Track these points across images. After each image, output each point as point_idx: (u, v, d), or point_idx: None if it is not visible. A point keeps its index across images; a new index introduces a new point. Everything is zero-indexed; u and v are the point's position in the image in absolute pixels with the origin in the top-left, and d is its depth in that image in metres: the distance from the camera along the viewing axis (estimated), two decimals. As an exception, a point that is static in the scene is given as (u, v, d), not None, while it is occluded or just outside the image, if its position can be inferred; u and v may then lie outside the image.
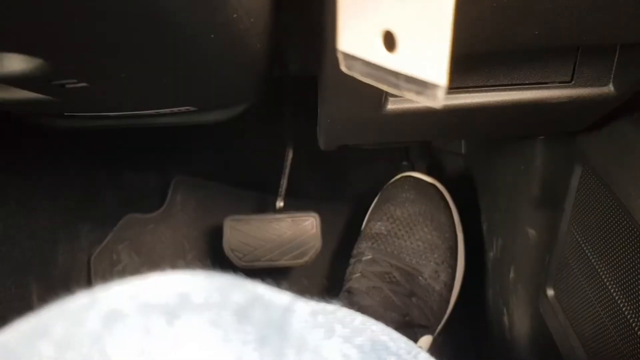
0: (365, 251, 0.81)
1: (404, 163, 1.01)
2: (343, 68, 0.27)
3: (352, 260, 0.82)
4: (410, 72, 0.23)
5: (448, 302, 0.81)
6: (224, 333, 0.23)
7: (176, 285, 0.24)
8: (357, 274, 0.78)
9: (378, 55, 0.24)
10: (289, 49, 0.65)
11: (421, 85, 0.23)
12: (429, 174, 1.01)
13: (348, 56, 0.26)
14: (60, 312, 0.24)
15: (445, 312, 0.81)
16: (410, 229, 0.81)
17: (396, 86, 0.24)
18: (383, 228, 0.82)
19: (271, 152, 0.92)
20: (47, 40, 0.30)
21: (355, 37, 0.24)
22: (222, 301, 0.24)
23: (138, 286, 0.25)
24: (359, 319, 0.28)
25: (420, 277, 0.78)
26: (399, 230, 0.81)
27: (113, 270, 0.92)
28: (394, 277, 0.76)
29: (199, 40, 0.32)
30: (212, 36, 0.32)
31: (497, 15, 0.33)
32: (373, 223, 0.84)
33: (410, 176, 0.87)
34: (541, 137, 0.66)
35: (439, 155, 1.03)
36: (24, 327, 0.24)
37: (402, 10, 0.22)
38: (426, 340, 0.77)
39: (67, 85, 0.37)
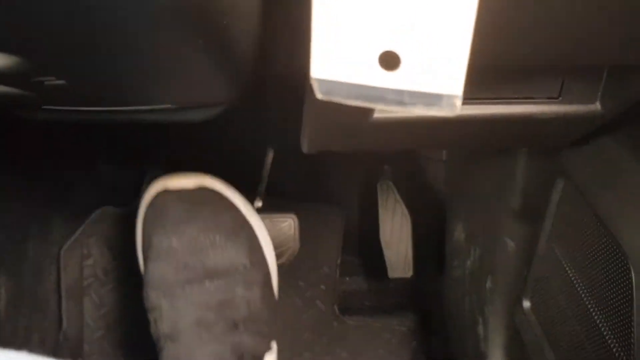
0: (161, 304, 0.65)
1: (385, 167, 1.01)
2: (319, 95, 0.26)
3: (150, 316, 0.67)
4: (418, 87, 0.23)
5: (273, 295, 0.72)
6: None
7: None
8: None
9: (373, 77, 0.23)
10: (272, 49, 0.65)
11: (431, 98, 0.23)
12: (408, 179, 1.01)
13: (326, 82, 0.25)
14: None
15: (274, 307, 0.71)
16: (197, 257, 0.65)
17: (399, 103, 0.23)
18: (170, 272, 0.65)
19: (251, 151, 0.91)
20: (25, 38, 0.29)
21: (339, 62, 0.24)
22: None
23: None
24: None
25: (235, 301, 0.65)
26: (183, 269, 0.65)
27: (83, 264, 0.90)
28: (209, 317, 0.63)
29: (187, 45, 0.31)
30: (200, 42, 0.31)
31: (488, 30, 0.32)
32: (153, 270, 0.65)
33: (168, 192, 0.68)
34: (523, 150, 0.66)
35: (420, 160, 1.03)
36: None
37: (410, 30, 0.21)
38: (269, 357, 0.68)
39: (46, 83, 0.36)
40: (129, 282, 0.92)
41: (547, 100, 0.46)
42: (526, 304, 0.66)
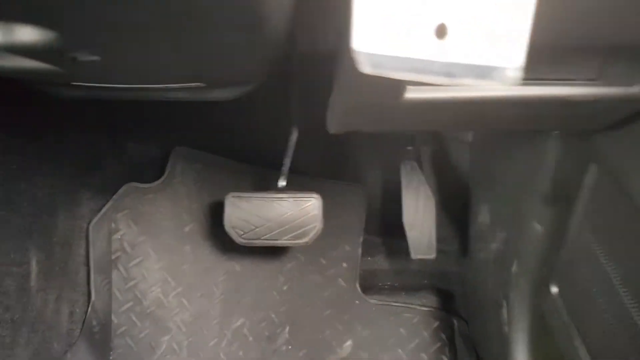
0: None
1: (409, 148, 1.00)
2: (366, 69, 0.26)
3: None
4: (471, 60, 0.22)
5: None
6: None
7: None
8: None
9: (425, 49, 0.23)
10: (298, 29, 0.64)
11: (484, 70, 0.23)
12: (433, 160, 1.00)
13: (373, 55, 0.25)
14: None
15: None
16: None
17: (448, 74, 0.23)
18: None
19: (275, 130, 0.91)
20: (63, 12, 0.29)
21: (387, 35, 0.23)
22: None
23: None
24: None
25: None
26: None
27: (111, 238, 0.92)
28: None
29: (224, 19, 0.31)
30: (235, 17, 0.31)
31: (546, 9, 0.32)
32: None
33: None
34: (555, 132, 0.65)
35: (445, 141, 1.02)
36: None
37: (463, 3, 0.21)
38: None
39: (79, 58, 0.36)
40: (155, 255, 0.93)
41: (586, 82, 0.45)
42: (554, 289, 0.65)
